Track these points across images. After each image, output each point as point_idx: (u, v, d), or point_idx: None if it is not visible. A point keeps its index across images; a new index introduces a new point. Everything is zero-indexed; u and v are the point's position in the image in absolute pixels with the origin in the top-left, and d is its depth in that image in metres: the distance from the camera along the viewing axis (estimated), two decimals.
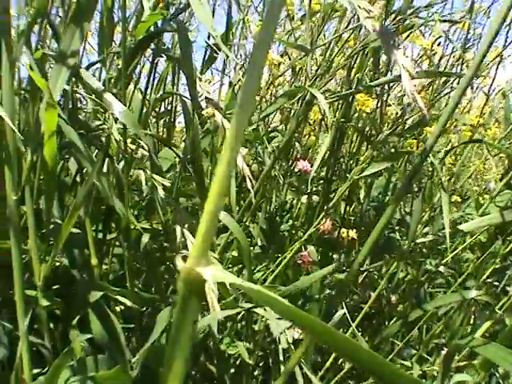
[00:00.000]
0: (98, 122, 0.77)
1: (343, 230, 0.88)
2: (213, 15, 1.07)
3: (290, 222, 1.01)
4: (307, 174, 0.85)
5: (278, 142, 0.92)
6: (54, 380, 0.59)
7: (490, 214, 0.90)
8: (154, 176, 0.71)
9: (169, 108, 1.06)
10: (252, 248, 1.00)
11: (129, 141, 0.74)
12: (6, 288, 0.71)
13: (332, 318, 1.06)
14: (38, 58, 0.72)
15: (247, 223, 1.00)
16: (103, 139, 0.78)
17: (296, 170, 0.86)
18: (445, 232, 0.86)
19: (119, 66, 0.76)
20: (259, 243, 1.02)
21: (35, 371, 0.66)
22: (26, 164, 0.63)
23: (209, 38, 0.93)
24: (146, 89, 0.83)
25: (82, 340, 0.64)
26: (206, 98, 0.71)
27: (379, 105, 0.91)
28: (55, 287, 0.73)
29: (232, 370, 0.92)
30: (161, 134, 1.09)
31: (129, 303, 0.70)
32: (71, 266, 0.72)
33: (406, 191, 0.93)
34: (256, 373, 0.97)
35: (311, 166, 0.86)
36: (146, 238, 0.75)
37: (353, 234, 0.87)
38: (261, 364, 0.98)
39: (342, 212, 1.02)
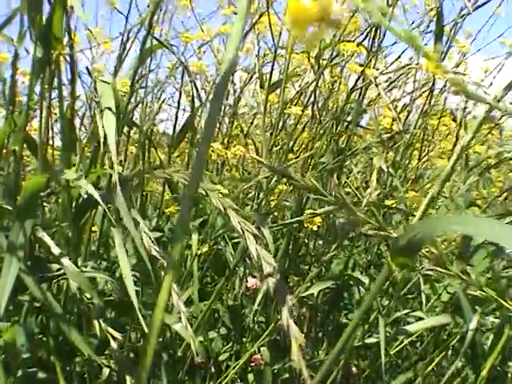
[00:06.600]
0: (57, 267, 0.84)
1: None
2: None
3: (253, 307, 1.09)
4: (257, 290, 0.92)
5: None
6: None
7: (435, 317, 0.97)
8: (108, 329, 0.79)
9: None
10: (218, 330, 1.09)
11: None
12: None
13: None
14: None
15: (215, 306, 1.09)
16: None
17: (248, 285, 0.93)
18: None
19: None
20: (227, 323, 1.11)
21: None
22: None
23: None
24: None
25: None
26: None
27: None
28: None
29: None
30: None
31: None
32: None
33: None
34: None
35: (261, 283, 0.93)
36: (106, 371, 0.84)
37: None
38: None
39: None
